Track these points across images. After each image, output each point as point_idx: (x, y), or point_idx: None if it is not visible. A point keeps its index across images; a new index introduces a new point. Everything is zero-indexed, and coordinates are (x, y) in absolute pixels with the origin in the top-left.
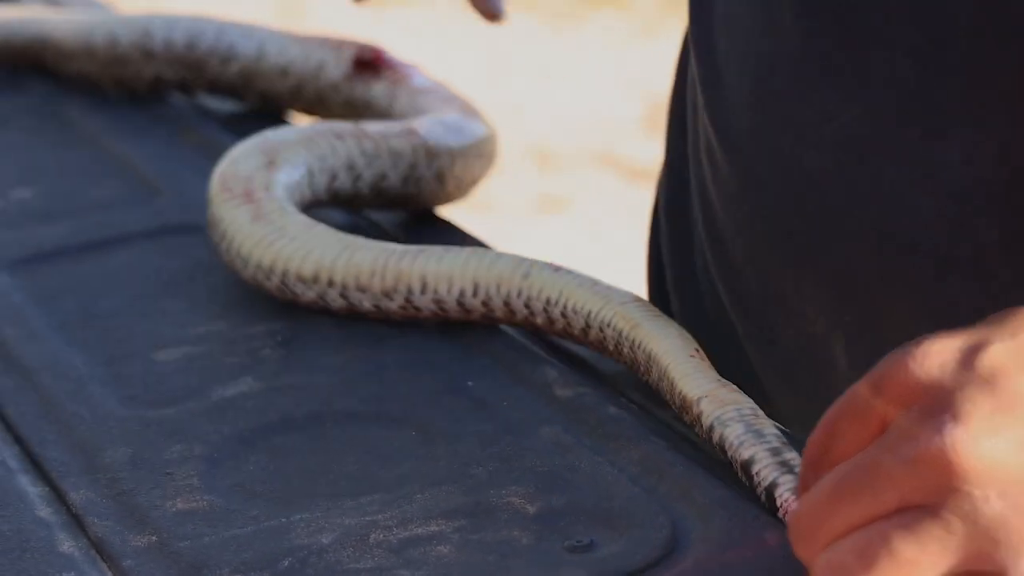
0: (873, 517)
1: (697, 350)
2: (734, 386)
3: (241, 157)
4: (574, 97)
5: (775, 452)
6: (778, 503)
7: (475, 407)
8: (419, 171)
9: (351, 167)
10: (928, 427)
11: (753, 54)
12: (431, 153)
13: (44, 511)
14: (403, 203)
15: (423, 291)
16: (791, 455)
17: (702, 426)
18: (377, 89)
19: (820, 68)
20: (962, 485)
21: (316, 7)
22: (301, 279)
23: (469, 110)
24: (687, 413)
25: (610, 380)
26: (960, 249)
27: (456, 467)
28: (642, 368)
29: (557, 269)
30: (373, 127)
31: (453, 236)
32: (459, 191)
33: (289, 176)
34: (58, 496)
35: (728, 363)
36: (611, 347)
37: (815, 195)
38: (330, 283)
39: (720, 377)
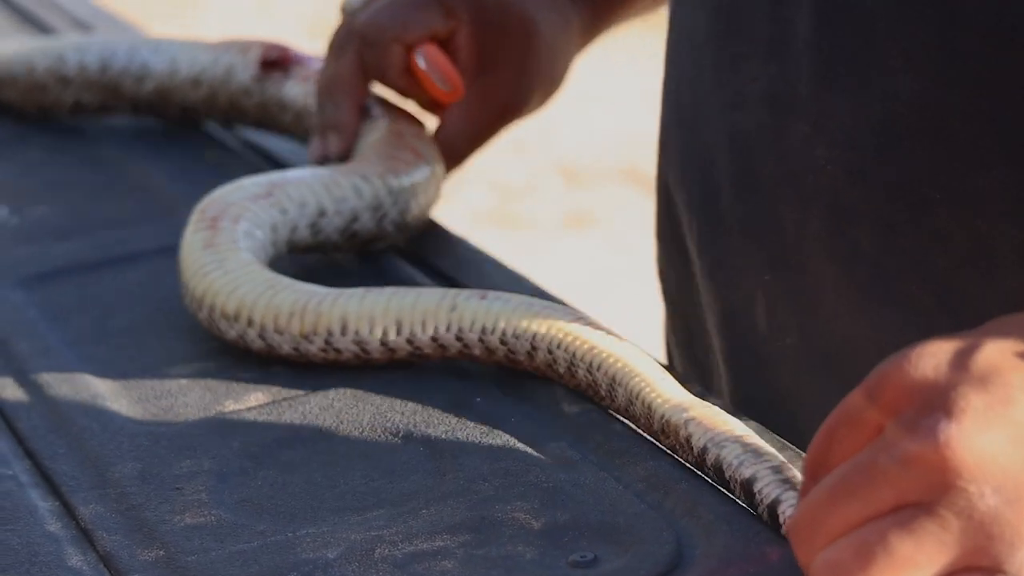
0: (870, 516)
1: (662, 367)
2: (713, 404)
3: (237, 185)
4: (601, 114)
5: (776, 470)
6: (781, 519)
7: (482, 423)
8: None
9: (353, 211)
10: (923, 425)
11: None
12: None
13: (53, 525)
14: (373, 243)
15: (343, 332)
16: (792, 473)
17: (690, 448)
18: (290, 88)
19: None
20: (957, 481)
21: None
22: (224, 315)
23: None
24: (669, 436)
25: None
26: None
27: (462, 482)
28: (603, 391)
29: (484, 296)
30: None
31: (465, 249)
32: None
33: (270, 213)
34: (68, 510)
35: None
36: (562, 370)
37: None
38: (249, 323)
39: (694, 395)
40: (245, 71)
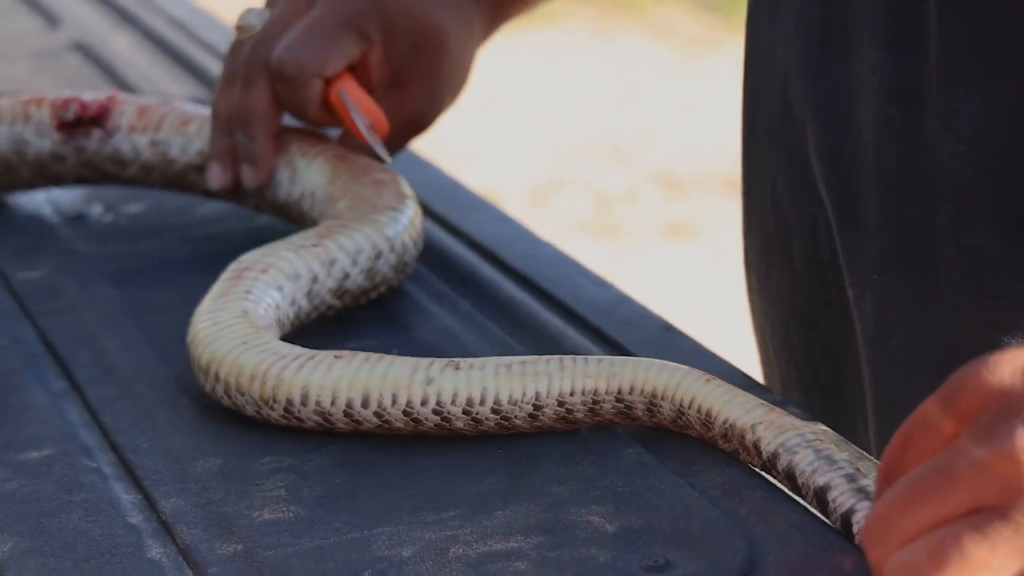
0: (945, 519)
1: (708, 376)
2: (775, 406)
3: (286, 240)
4: (702, 124)
5: (850, 478)
6: (854, 529)
7: None
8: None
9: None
10: (999, 430)
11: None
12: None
13: (135, 518)
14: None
15: (303, 402)
16: (866, 481)
17: (759, 453)
18: (121, 141)
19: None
20: None
21: None
22: (199, 367)
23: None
24: (731, 441)
25: None
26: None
27: (537, 485)
28: (640, 411)
29: (458, 367)
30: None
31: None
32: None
33: (311, 264)
34: (149, 504)
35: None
36: (581, 416)
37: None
38: (217, 378)
39: (754, 397)
40: (41, 138)
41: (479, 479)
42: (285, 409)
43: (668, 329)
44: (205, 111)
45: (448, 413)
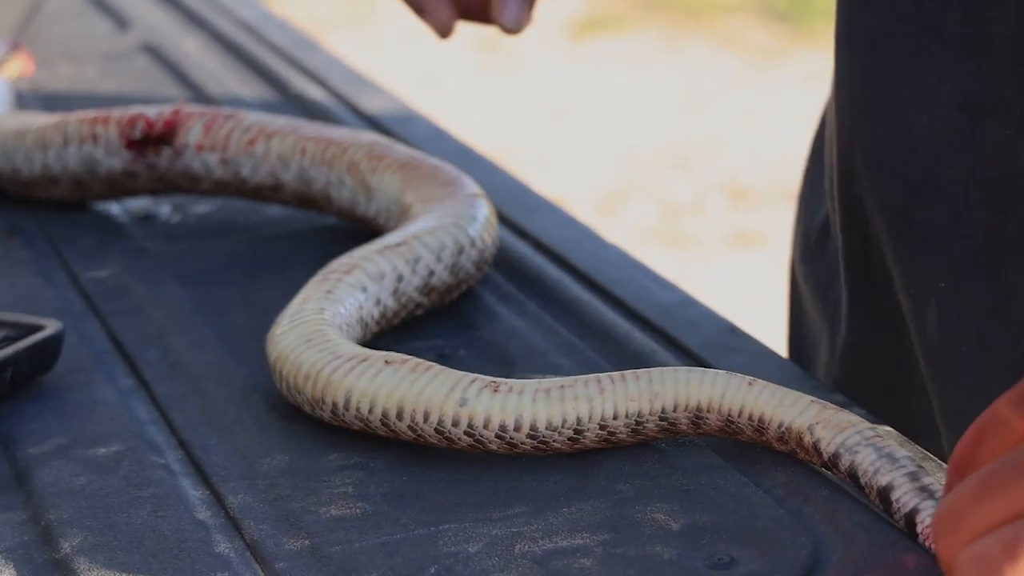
0: (1017, 514)
1: (750, 379)
2: (831, 404)
3: (372, 243)
4: (771, 134)
5: (913, 477)
6: (918, 528)
7: None
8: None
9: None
10: None
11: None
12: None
13: (203, 513)
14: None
15: (346, 407)
16: (929, 480)
17: (819, 454)
18: (190, 159)
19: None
20: None
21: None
22: (269, 364)
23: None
24: (788, 443)
25: None
26: None
27: (603, 483)
28: (684, 426)
29: (496, 389)
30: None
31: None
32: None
33: (396, 264)
34: (217, 499)
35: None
36: (623, 437)
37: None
38: (280, 376)
39: (804, 395)
40: (112, 156)
41: (545, 477)
42: (332, 411)
43: (733, 331)
44: (270, 124)
45: (481, 436)
